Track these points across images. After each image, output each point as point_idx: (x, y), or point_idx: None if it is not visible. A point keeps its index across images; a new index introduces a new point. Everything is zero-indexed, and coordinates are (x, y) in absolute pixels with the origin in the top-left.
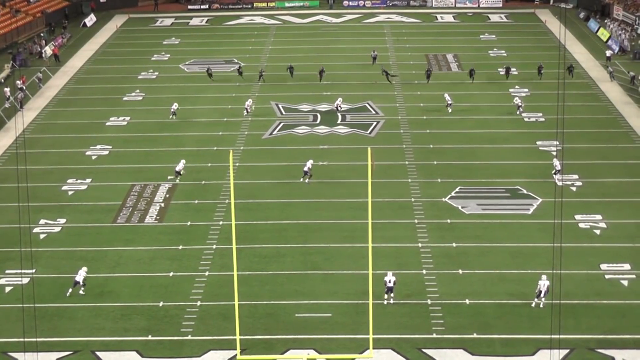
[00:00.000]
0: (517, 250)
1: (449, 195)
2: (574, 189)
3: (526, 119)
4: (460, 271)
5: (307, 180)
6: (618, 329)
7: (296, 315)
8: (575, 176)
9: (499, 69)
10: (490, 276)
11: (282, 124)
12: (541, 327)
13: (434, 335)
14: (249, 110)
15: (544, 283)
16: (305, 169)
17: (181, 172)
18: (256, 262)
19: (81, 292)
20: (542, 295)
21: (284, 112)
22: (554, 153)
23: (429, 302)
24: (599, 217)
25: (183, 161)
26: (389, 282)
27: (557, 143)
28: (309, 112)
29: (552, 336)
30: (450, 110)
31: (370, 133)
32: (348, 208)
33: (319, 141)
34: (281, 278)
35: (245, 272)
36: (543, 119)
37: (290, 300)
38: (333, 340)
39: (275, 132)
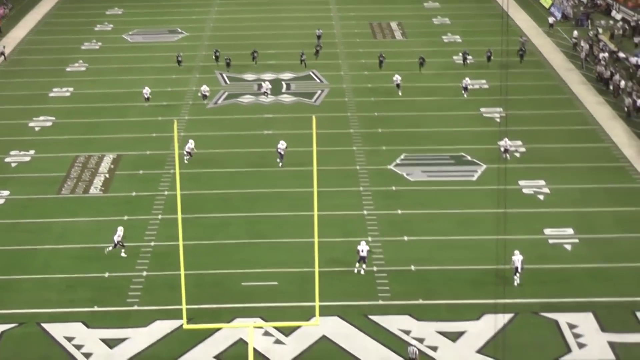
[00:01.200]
0: (462, 217)
1: (394, 163)
2: (517, 155)
3: (470, 87)
4: (405, 238)
5: (280, 164)
6: (561, 293)
7: (242, 284)
8: (519, 142)
9: (454, 57)
10: (435, 243)
11: (226, 93)
12: (486, 292)
13: (380, 302)
14: (206, 95)
15: (517, 258)
16: (280, 150)
17: (192, 152)
18: (202, 231)
19: (123, 254)
20: (519, 271)
21: (228, 82)
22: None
23: (375, 269)
24: (542, 182)
25: (191, 140)
26: (362, 251)
27: (501, 110)
28: (254, 81)
29: (497, 301)
30: (400, 93)
31: (315, 102)
32: (294, 177)
33: (263, 110)
34: (227, 247)
35: (191, 241)
36: (487, 86)
37: (236, 269)
38: (279, 308)
39: (219, 102)
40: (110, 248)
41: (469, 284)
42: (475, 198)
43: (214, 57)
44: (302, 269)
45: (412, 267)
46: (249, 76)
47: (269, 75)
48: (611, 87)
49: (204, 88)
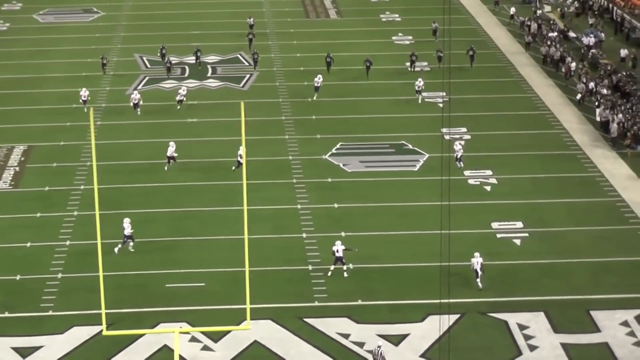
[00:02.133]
0: (404, 210)
1: (330, 153)
2: (461, 143)
3: (410, 69)
4: (343, 233)
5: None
6: (510, 291)
7: (167, 285)
8: (464, 129)
9: (407, 64)
10: (375, 238)
11: (147, 78)
12: (430, 291)
13: (316, 304)
14: (84, 100)
15: (477, 261)
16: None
17: (174, 157)
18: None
19: (131, 248)
20: (479, 273)
21: (149, 65)
22: (457, 139)
23: (310, 267)
24: (489, 172)
25: (172, 144)
26: (337, 251)
27: (444, 94)
28: (177, 65)
29: (442, 301)
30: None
31: (243, 86)
32: (221, 168)
33: (188, 96)
34: (150, 246)
35: (110, 240)
36: (428, 69)
37: (160, 269)
38: (207, 311)
39: (140, 87)
40: (120, 246)
41: (412, 282)
42: (418, 190)
43: (159, 54)
44: (232, 268)
45: (351, 265)
46: (171, 59)
47: (191, 59)
48: (562, 70)
49: (83, 92)
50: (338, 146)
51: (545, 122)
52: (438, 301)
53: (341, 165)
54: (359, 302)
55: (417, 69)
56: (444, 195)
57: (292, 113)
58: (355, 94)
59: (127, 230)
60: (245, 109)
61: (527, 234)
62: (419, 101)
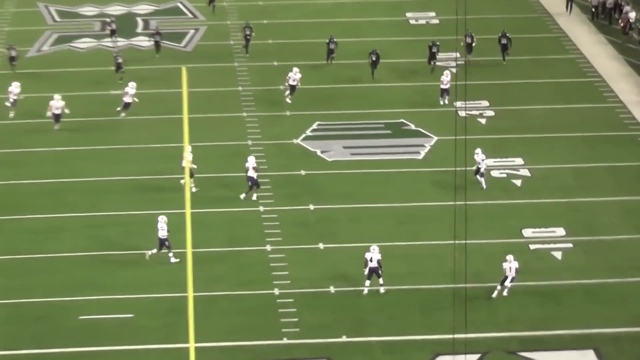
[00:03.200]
0: (403, 213)
1: (303, 135)
2: (482, 120)
3: (412, 22)
4: (321, 245)
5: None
6: (549, 322)
7: (81, 318)
8: (485, 102)
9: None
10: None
11: (55, 35)
12: (440, 323)
13: (285, 341)
14: (12, 102)
15: (510, 266)
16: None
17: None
18: (23, 240)
19: (172, 259)
20: (508, 281)
21: (57, 19)
22: (478, 153)
23: (277, 292)
24: (519, 161)
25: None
26: (371, 260)
27: (457, 55)
28: (95, 17)
29: (456, 336)
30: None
31: (185, 46)
32: (156, 158)
33: (110, 60)
34: (59, 263)
35: (6, 256)
36: (437, 21)
37: (73, 295)
38: (136, 353)
39: (45, 48)
40: (154, 251)
41: (415, 311)
42: (422, 186)
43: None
44: (170, 293)
45: (332, 289)
46: (88, 10)
47: (116, 9)
48: (619, 23)
49: (13, 89)
50: (314, 126)
51: (594, 92)
52: (451, 336)
53: (318, 152)
54: (344, 338)
55: (419, 21)
56: (459, 194)
57: (253, 82)
58: (337, 54)
59: (162, 232)
60: (189, 77)
61: (570, 245)
62: (442, 102)
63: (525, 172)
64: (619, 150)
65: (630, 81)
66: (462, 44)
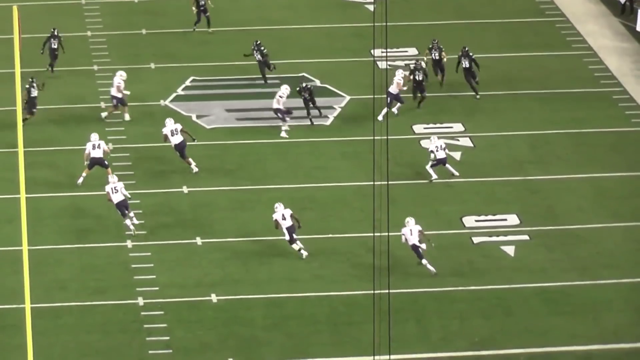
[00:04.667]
0: (305, 197)
1: (173, 95)
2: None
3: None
4: (199, 240)
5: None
6: (497, 339)
7: None
8: (412, 50)
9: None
10: (253, 245)
11: None
12: (355, 341)
13: None
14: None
15: (410, 230)
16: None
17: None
18: None
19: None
20: (421, 252)
21: None
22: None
23: (141, 302)
24: (458, 127)
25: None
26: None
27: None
28: None
29: (376, 358)
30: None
31: None
32: None
33: None
34: None
35: None
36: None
37: None
38: None
39: None
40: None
41: (321, 326)
42: (331, 160)
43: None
44: None
45: (213, 297)
46: None
47: None
48: None
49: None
50: (188, 83)
51: (555, 36)
52: (370, 358)
53: (193, 117)
54: None
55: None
56: (379, 170)
57: (106, 25)
58: None
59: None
60: (21, 15)
61: (525, 236)
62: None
63: (465, 141)
64: (588, 112)
65: (603, 22)
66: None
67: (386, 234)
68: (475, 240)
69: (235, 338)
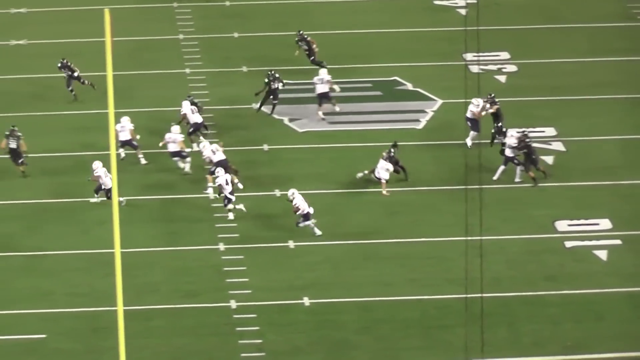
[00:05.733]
0: (397, 201)
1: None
2: (501, 78)
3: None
4: (291, 244)
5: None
6: (589, 344)
7: None
8: (505, 54)
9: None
10: (346, 248)
11: None
12: (446, 345)
13: None
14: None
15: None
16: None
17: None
18: None
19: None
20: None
21: None
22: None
23: (234, 304)
24: (551, 131)
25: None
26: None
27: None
28: None
29: None
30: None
31: None
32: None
33: None
34: None
35: None
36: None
37: None
38: None
39: None
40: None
41: (413, 330)
42: (422, 163)
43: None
44: (91, 307)
45: (306, 301)
46: None
47: None
48: None
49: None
50: (280, 86)
51: None
52: None
53: (286, 120)
54: None
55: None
56: (470, 174)
57: (198, 28)
58: None
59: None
60: (112, 20)
61: (618, 241)
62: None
63: (558, 145)
64: None
65: None
66: None
67: (478, 238)
68: (568, 244)
69: (327, 341)
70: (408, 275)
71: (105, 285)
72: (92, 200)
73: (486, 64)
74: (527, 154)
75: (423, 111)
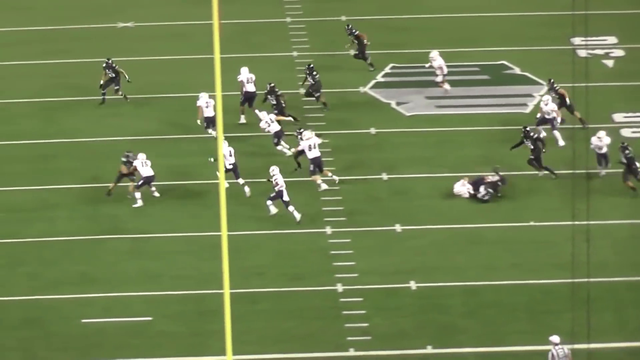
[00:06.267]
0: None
1: (372, 82)
2: (609, 62)
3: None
4: (398, 227)
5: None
6: None
7: (83, 321)
8: (613, 38)
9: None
10: (451, 234)
11: None
12: (552, 329)
13: (351, 353)
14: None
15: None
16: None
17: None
18: (3, 220)
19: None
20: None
21: None
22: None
23: (340, 288)
24: None
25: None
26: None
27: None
28: None
29: (575, 346)
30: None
31: None
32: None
33: None
34: (51, 249)
35: None
36: None
37: (70, 292)
38: None
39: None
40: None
41: (519, 314)
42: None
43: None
44: (197, 290)
45: (412, 284)
46: None
47: None
48: None
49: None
50: (388, 70)
51: None
52: (570, 346)
53: (393, 104)
54: (428, 349)
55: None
56: (577, 159)
57: (306, 11)
58: None
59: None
60: (220, 2)
61: None
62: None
63: None
64: None
65: None
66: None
67: (585, 222)
68: None
69: (433, 325)
70: (513, 260)
71: (211, 268)
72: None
73: (593, 49)
74: (628, 164)
75: (530, 95)
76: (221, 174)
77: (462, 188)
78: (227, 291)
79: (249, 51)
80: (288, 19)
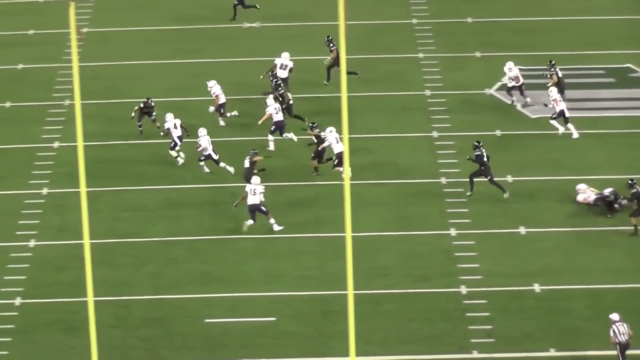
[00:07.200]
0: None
1: (497, 84)
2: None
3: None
4: (522, 230)
5: None
6: None
7: (207, 321)
8: None
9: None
10: (574, 236)
11: None
12: None
13: (475, 355)
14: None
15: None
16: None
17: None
18: (129, 219)
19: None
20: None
21: None
22: None
23: (464, 290)
24: None
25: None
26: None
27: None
28: None
29: None
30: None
31: None
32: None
33: None
34: (176, 248)
35: (107, 239)
36: None
37: (193, 291)
38: None
39: None
40: (251, 222)
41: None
42: None
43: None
44: (322, 290)
45: (536, 287)
46: None
47: None
48: None
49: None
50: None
51: None
52: None
53: (518, 106)
54: (551, 352)
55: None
56: None
57: (432, 13)
58: None
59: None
60: (347, 3)
61: None
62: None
63: None
64: None
65: None
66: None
67: None
68: None
69: (556, 328)
70: (638, 264)
71: (335, 269)
72: (173, 153)
73: None
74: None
75: None
76: (346, 175)
77: (584, 195)
78: (350, 292)
79: (375, 52)
80: (414, 20)
